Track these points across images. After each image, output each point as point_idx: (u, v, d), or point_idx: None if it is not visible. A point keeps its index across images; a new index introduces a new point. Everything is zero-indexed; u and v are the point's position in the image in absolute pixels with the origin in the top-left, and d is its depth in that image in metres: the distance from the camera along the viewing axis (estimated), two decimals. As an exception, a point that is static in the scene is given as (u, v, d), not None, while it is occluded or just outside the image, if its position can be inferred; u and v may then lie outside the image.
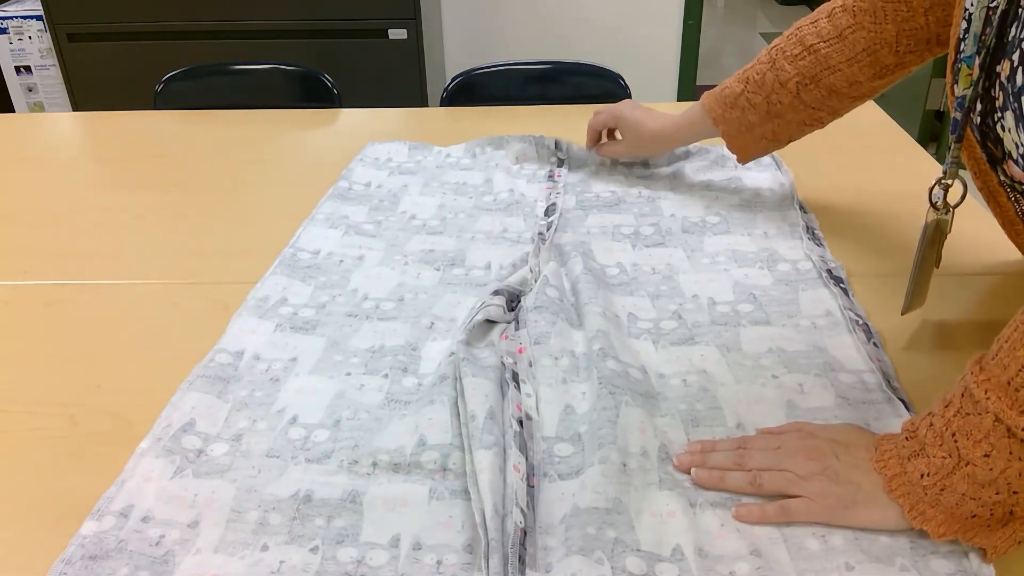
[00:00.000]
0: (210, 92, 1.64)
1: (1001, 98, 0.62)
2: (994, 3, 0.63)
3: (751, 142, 0.96)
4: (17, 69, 2.66)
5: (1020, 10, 0.60)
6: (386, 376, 0.74)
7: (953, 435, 0.54)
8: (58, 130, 1.39)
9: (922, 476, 0.55)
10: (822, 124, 0.94)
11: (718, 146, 1.20)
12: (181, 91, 1.60)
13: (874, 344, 0.76)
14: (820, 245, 0.93)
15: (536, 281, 0.86)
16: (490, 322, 0.80)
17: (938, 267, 0.79)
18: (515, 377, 0.72)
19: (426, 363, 0.76)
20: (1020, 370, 0.51)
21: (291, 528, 0.59)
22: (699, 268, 0.90)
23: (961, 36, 0.68)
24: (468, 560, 0.56)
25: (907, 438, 0.58)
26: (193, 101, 1.55)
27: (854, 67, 0.86)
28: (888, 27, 0.82)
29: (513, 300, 0.83)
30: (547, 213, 1.02)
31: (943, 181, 0.74)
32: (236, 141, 1.30)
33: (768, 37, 4.54)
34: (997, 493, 0.52)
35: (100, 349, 0.81)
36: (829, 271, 0.87)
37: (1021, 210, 0.73)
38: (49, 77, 2.67)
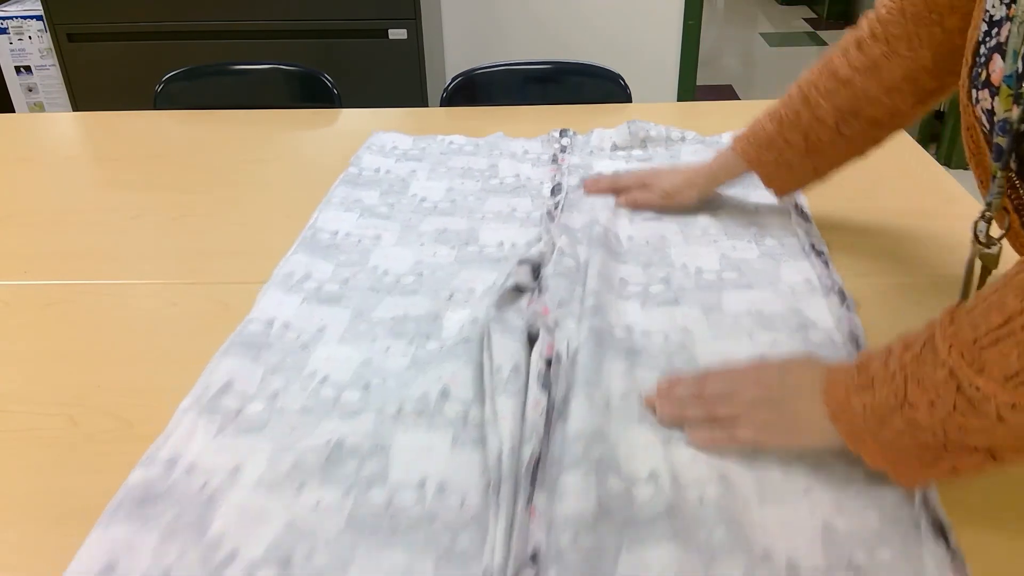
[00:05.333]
0: (210, 92, 1.64)
1: None
2: None
3: (790, 179, 0.93)
4: (17, 69, 2.66)
5: None
6: (411, 342, 0.78)
7: (905, 378, 0.55)
8: (58, 130, 1.39)
9: (864, 408, 0.57)
10: (863, 154, 0.90)
11: (714, 135, 1.23)
12: (181, 91, 1.60)
13: (847, 307, 0.81)
14: (808, 220, 0.98)
15: (553, 253, 0.90)
16: (517, 291, 0.84)
17: None
18: (546, 329, 0.77)
19: (448, 330, 0.80)
20: (988, 332, 0.51)
21: (325, 472, 0.63)
22: (690, 241, 0.94)
23: (981, 39, 0.66)
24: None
25: (858, 370, 0.59)
26: (193, 101, 1.55)
27: (895, 97, 0.82)
28: (924, 52, 0.79)
29: (535, 271, 0.87)
30: (553, 193, 1.06)
31: (987, 214, 0.68)
32: (236, 141, 1.30)
33: (768, 37, 4.54)
34: (933, 436, 0.54)
35: (100, 349, 0.81)
36: (812, 245, 0.92)
37: None
38: (49, 77, 2.67)
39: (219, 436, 0.67)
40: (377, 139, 1.25)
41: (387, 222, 1.01)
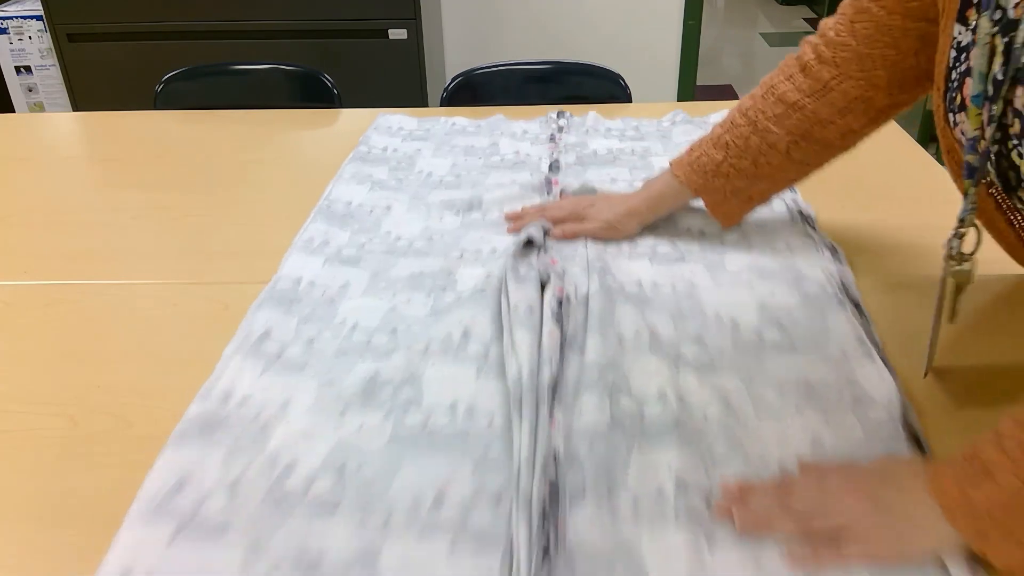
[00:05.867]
0: (210, 92, 1.64)
1: (1017, 125, 0.60)
2: (1007, 37, 0.59)
3: (736, 207, 0.92)
4: (17, 69, 2.66)
5: None
6: (429, 294, 0.85)
7: None
8: (58, 130, 1.39)
9: (987, 500, 0.52)
10: (807, 176, 0.89)
11: (707, 114, 1.29)
12: (181, 91, 1.60)
13: (838, 260, 0.89)
14: (793, 191, 1.04)
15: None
16: (528, 245, 0.91)
17: (953, 322, 0.75)
18: (556, 275, 0.84)
19: (463, 283, 0.86)
20: None
21: (364, 400, 0.70)
22: (693, 210, 0.99)
23: (951, 65, 0.66)
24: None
25: (967, 460, 0.54)
26: (193, 101, 1.55)
27: (847, 117, 0.82)
28: (879, 72, 0.79)
29: (543, 229, 0.94)
30: (551, 169, 1.13)
31: (960, 230, 0.68)
32: (236, 141, 1.30)
33: (768, 37, 4.54)
34: None
35: (100, 349, 0.81)
36: (800, 212, 0.99)
37: None
38: (49, 77, 2.67)
39: (265, 375, 0.74)
40: (384, 120, 1.31)
41: (396, 194, 1.07)
